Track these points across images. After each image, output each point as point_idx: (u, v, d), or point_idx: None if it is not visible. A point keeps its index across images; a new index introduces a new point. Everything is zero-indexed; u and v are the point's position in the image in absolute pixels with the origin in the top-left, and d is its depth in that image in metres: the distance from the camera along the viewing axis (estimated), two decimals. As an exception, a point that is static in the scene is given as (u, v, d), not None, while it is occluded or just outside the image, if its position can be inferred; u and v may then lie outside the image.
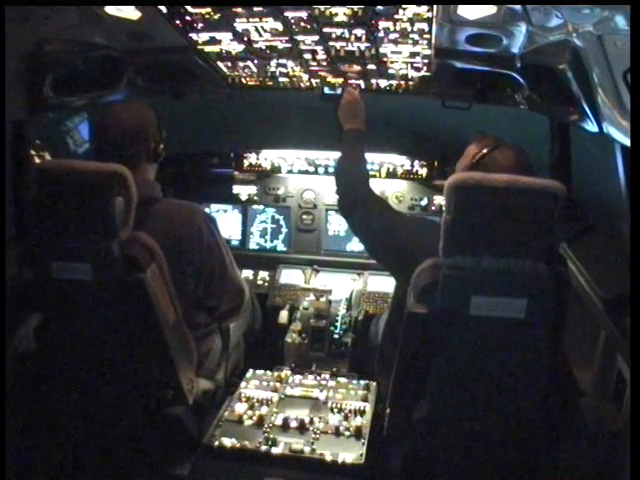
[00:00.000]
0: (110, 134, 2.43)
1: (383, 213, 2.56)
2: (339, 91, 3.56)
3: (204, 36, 2.58)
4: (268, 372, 2.88)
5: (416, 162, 3.89)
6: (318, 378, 2.84)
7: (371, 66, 2.94)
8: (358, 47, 2.63)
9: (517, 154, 2.27)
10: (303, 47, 2.67)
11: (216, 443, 2.35)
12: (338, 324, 3.25)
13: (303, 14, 2.24)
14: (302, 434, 2.40)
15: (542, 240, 1.93)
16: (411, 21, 2.27)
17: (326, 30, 2.42)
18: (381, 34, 2.43)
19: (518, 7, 1.88)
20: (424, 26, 2.31)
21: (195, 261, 2.47)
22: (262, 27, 2.42)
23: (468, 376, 2.15)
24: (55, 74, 2.35)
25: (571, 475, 2.30)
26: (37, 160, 2.85)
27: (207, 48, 2.76)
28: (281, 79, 3.32)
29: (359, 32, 2.43)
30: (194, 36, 2.58)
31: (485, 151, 2.30)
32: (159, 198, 2.53)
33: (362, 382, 2.81)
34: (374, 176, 3.92)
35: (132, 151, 2.44)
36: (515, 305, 1.96)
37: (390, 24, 2.31)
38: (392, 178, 3.93)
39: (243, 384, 2.77)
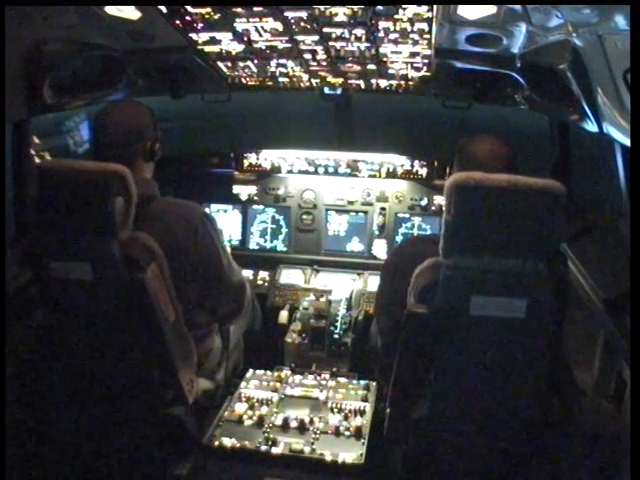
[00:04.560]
0: (107, 133, 2.44)
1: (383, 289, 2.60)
2: (339, 91, 3.56)
3: (204, 36, 2.58)
4: (268, 372, 2.89)
5: (416, 162, 3.88)
6: (318, 378, 2.84)
7: (371, 66, 2.94)
8: (358, 47, 2.63)
9: (492, 145, 2.30)
10: (303, 47, 2.67)
11: (216, 443, 2.35)
12: (338, 324, 3.25)
13: (303, 14, 2.24)
14: (302, 434, 2.40)
15: (542, 240, 1.93)
16: (411, 21, 2.26)
17: (326, 30, 2.42)
18: (381, 34, 2.43)
19: (518, 7, 1.88)
20: (424, 26, 2.31)
21: (191, 260, 2.47)
22: (262, 27, 2.41)
23: (468, 376, 2.15)
24: (55, 74, 2.35)
25: (571, 475, 2.30)
26: (37, 160, 2.85)
27: (207, 48, 2.76)
28: (281, 79, 3.32)
29: (359, 32, 2.42)
30: (194, 36, 2.57)
31: (459, 146, 2.39)
32: (157, 196, 2.54)
33: (362, 382, 2.81)
34: (374, 176, 3.93)
35: (129, 150, 2.45)
36: (515, 305, 1.96)
37: (390, 24, 2.31)
38: (392, 178, 3.92)
39: (243, 384, 2.77)
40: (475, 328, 2.03)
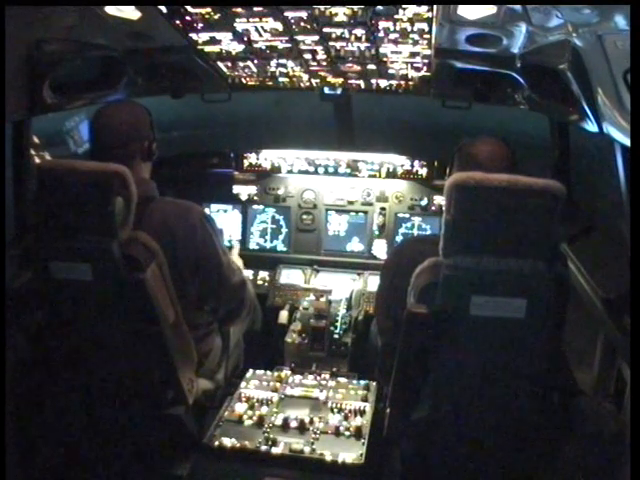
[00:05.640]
0: (104, 134, 2.44)
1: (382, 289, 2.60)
2: (339, 91, 3.57)
3: (204, 36, 2.58)
4: (268, 372, 2.88)
5: (416, 162, 3.88)
6: (318, 378, 2.84)
7: (371, 66, 2.94)
8: (358, 47, 2.63)
9: (492, 147, 2.31)
10: (303, 47, 2.67)
11: (216, 443, 2.35)
12: (338, 324, 3.25)
13: (303, 14, 2.24)
14: (302, 434, 2.40)
15: (542, 240, 1.93)
16: (411, 21, 2.26)
17: (326, 30, 2.42)
18: (381, 34, 2.43)
19: (518, 7, 1.88)
20: (424, 26, 2.31)
21: (191, 260, 2.47)
22: (262, 27, 2.42)
23: (468, 376, 2.15)
24: (55, 74, 2.35)
25: (571, 475, 2.30)
26: (37, 160, 2.85)
27: (207, 48, 2.76)
28: (281, 79, 3.32)
29: (359, 32, 2.43)
30: (194, 36, 2.58)
31: (459, 146, 2.39)
32: (156, 197, 2.54)
33: (362, 382, 2.81)
34: (374, 176, 3.93)
35: (127, 150, 2.45)
36: (515, 305, 1.96)
37: (390, 24, 2.31)
38: (392, 178, 3.92)
39: (243, 384, 2.77)
40: (475, 328, 2.02)
